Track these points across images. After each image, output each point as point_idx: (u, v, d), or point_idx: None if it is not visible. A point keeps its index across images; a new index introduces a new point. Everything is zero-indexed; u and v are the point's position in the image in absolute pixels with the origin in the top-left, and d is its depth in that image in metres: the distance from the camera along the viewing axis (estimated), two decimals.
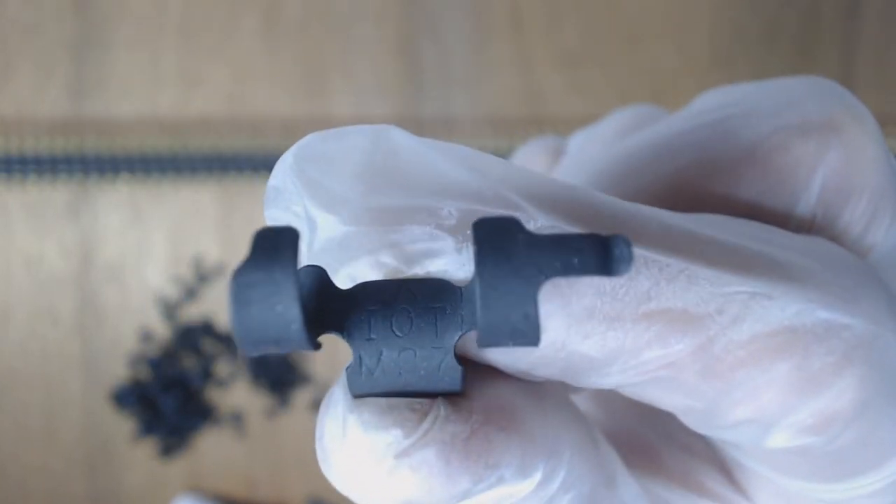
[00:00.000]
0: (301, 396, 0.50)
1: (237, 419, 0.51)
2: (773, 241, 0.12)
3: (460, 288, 0.11)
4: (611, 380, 0.12)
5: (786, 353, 0.11)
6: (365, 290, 0.11)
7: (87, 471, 0.51)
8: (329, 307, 0.11)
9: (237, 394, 0.51)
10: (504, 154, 0.49)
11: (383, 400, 0.11)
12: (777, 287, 0.11)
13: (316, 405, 0.50)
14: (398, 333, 0.11)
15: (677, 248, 0.11)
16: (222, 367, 0.51)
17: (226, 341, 0.50)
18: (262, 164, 0.49)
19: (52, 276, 0.50)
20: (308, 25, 0.49)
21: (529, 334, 0.09)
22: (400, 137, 0.11)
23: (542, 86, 0.49)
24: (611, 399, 0.17)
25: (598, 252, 0.09)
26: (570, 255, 0.09)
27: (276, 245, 0.09)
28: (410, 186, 0.11)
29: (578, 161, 0.17)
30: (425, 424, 0.11)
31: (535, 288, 0.09)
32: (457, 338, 0.11)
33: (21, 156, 0.49)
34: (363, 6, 0.49)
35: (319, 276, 0.11)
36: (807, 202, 0.13)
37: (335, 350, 0.49)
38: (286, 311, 0.09)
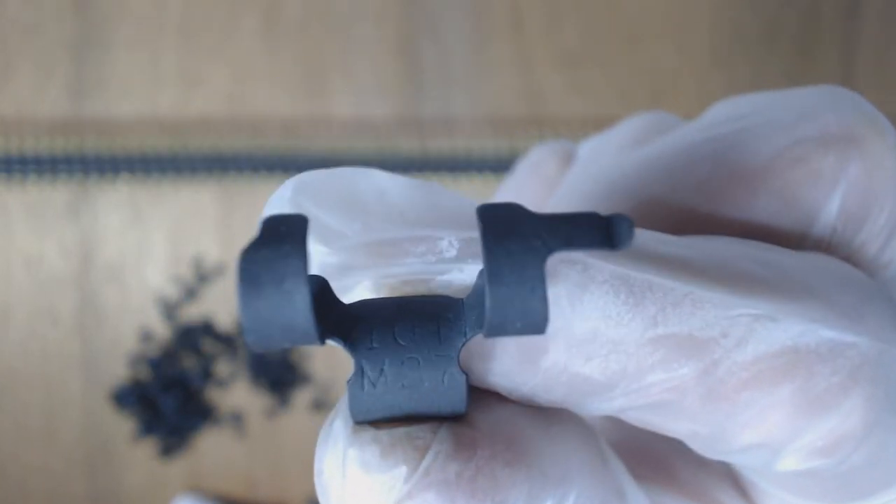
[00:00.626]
0: (301, 396, 0.50)
1: (237, 419, 0.51)
2: (776, 260, 0.12)
3: (462, 299, 0.11)
4: (614, 404, 0.12)
5: (790, 374, 0.11)
6: (367, 306, 0.11)
7: (86, 471, 0.51)
8: (331, 316, 0.11)
9: (237, 394, 0.51)
10: (505, 154, 0.49)
11: (385, 435, 0.11)
12: (780, 308, 0.11)
13: (316, 405, 0.50)
14: (401, 342, 0.11)
15: (681, 271, 0.11)
16: (222, 367, 0.51)
17: (226, 341, 0.50)
18: (262, 164, 0.49)
19: (52, 276, 0.50)
20: (308, 25, 0.49)
21: (537, 312, 0.10)
22: (382, 178, 0.11)
23: (542, 86, 0.49)
24: None
25: (599, 227, 0.10)
26: (573, 230, 0.09)
27: (285, 228, 0.09)
28: (406, 222, 0.11)
29: (588, 169, 0.17)
30: (426, 462, 0.10)
31: (540, 260, 0.09)
32: (461, 344, 0.11)
33: (21, 156, 0.49)
34: (363, 6, 0.49)
35: (322, 286, 0.11)
36: (827, 217, 0.13)
37: (335, 350, 0.49)
38: (295, 290, 0.09)
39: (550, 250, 0.09)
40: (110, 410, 0.50)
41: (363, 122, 0.49)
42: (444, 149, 0.49)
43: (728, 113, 0.14)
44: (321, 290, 0.11)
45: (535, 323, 0.10)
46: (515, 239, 0.09)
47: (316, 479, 0.11)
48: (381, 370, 0.11)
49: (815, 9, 0.48)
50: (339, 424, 0.11)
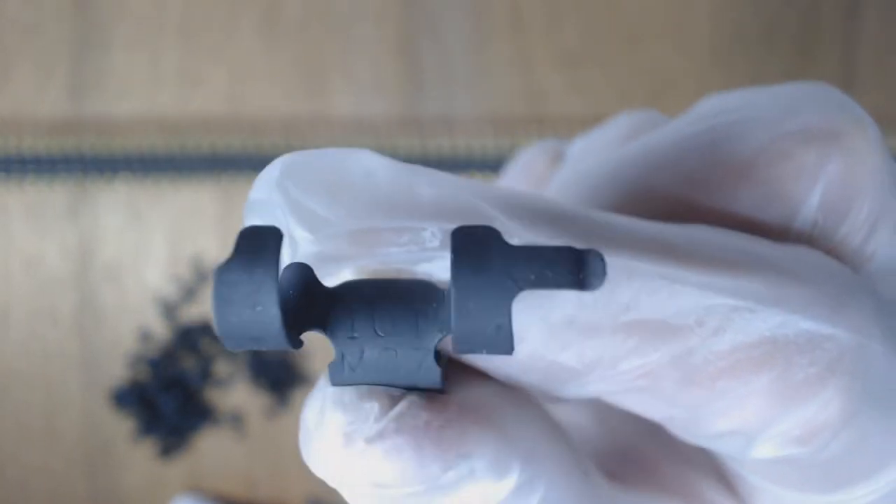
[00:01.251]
0: (301, 396, 0.50)
1: (237, 419, 0.50)
2: (756, 251, 0.12)
3: (443, 290, 0.11)
4: (590, 388, 0.12)
5: (767, 364, 0.11)
6: (349, 288, 0.11)
7: (86, 471, 0.51)
8: (313, 304, 0.11)
9: (237, 394, 0.51)
10: (505, 153, 0.49)
11: (364, 387, 0.11)
12: (759, 298, 0.11)
13: None
14: (380, 333, 0.11)
15: (658, 259, 0.11)
16: (222, 367, 0.51)
17: None
18: (261, 164, 0.48)
19: (51, 276, 0.50)
20: (308, 25, 0.49)
21: (503, 344, 0.10)
22: (372, 160, 0.11)
23: (542, 86, 0.49)
24: (608, 413, 0.17)
25: (572, 265, 0.10)
26: (545, 268, 0.10)
27: (259, 245, 0.10)
28: (391, 207, 0.11)
29: (577, 168, 0.17)
30: (399, 408, 0.11)
31: (508, 299, 0.10)
32: (437, 340, 0.11)
33: (20, 156, 0.49)
34: (363, 6, 0.49)
35: (304, 274, 0.11)
36: (808, 211, 0.13)
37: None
38: (266, 311, 0.10)
39: (520, 289, 0.10)
40: (110, 410, 0.50)
41: (363, 122, 0.49)
42: (444, 148, 0.49)
43: (717, 106, 0.14)
44: (302, 279, 0.11)
45: (502, 351, 0.10)
46: (485, 275, 0.09)
47: (300, 432, 0.12)
48: (361, 357, 0.11)
49: (815, 9, 0.48)
50: (322, 381, 0.12)
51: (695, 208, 0.13)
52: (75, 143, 0.49)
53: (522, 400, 0.12)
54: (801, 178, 0.13)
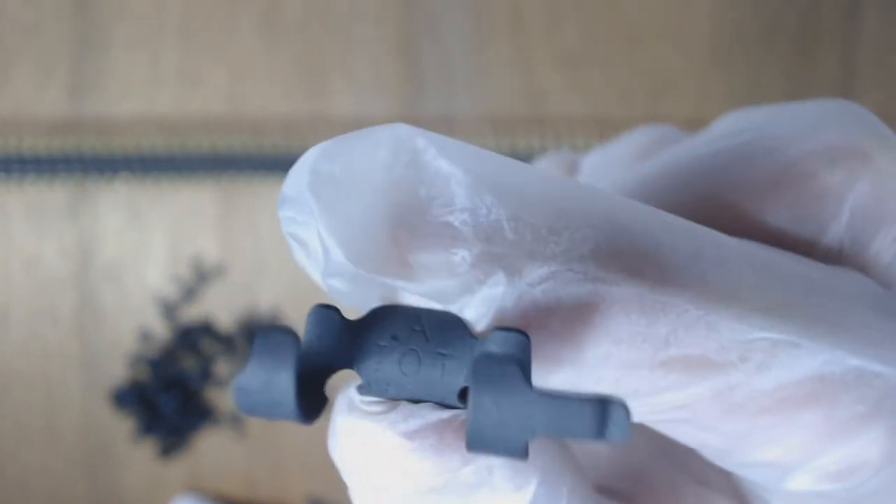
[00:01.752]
0: None
1: (237, 419, 0.50)
2: (802, 275, 0.12)
3: (471, 338, 0.11)
4: None
5: (812, 402, 0.11)
6: (376, 319, 0.11)
7: (86, 471, 0.51)
8: (339, 346, 0.11)
9: None
10: (505, 154, 0.49)
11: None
12: (805, 333, 0.11)
13: None
14: (405, 373, 0.11)
15: (696, 290, 0.11)
16: (222, 368, 0.51)
17: (225, 341, 0.50)
18: (261, 164, 0.49)
19: (51, 276, 0.50)
20: (308, 25, 0.49)
21: (518, 456, 0.10)
22: (423, 144, 0.10)
23: (542, 86, 0.49)
24: None
25: (593, 419, 0.09)
26: (566, 419, 0.09)
27: (275, 352, 0.10)
28: (428, 220, 0.10)
29: (594, 183, 0.17)
30: (424, 410, 0.11)
31: (524, 439, 0.10)
32: (459, 388, 0.11)
33: (20, 156, 0.49)
34: (363, 6, 0.49)
35: (330, 319, 0.11)
36: (835, 231, 0.13)
37: None
38: (284, 403, 0.10)
39: (535, 433, 0.10)
40: (110, 410, 0.50)
41: (363, 122, 0.49)
42: None
43: (733, 126, 0.14)
44: (328, 325, 0.11)
45: (515, 458, 0.10)
46: (503, 413, 0.09)
47: (331, 423, 0.12)
48: (386, 389, 0.11)
49: (815, 9, 0.48)
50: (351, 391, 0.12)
51: (721, 223, 0.13)
52: (75, 143, 0.49)
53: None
54: (828, 199, 0.13)
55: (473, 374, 0.10)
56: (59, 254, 0.50)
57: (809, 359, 0.11)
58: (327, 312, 0.11)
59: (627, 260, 0.10)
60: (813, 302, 0.11)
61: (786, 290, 0.11)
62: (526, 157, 0.48)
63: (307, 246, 0.12)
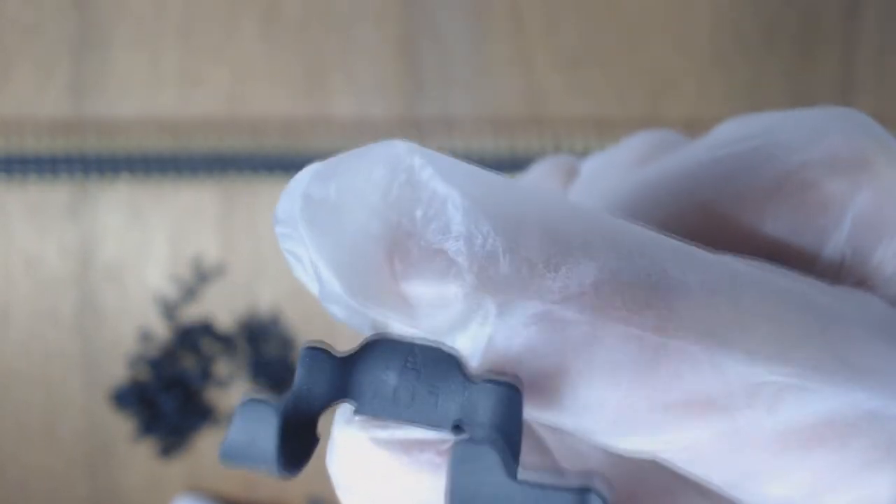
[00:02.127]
0: None
1: None
2: (813, 303, 0.11)
3: (463, 376, 0.11)
4: (621, 447, 0.11)
5: (823, 444, 0.10)
6: (369, 352, 0.11)
7: (86, 471, 0.51)
8: (331, 383, 0.11)
9: (237, 394, 0.51)
10: (505, 154, 0.49)
11: None
12: (818, 376, 0.10)
13: None
14: (399, 405, 0.11)
15: (700, 328, 0.10)
16: (222, 368, 0.51)
17: (225, 341, 0.50)
18: (261, 164, 0.49)
19: (51, 276, 0.50)
20: (308, 25, 0.49)
21: None
22: (420, 163, 0.10)
23: (542, 86, 0.49)
24: None
25: None
26: None
27: (257, 421, 0.10)
28: (422, 245, 0.10)
29: (592, 188, 0.17)
30: (421, 430, 0.11)
31: None
32: (452, 422, 0.11)
33: (21, 156, 0.49)
34: (363, 6, 0.49)
35: (319, 358, 0.11)
36: (836, 242, 0.12)
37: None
38: (269, 469, 0.10)
39: None
40: (110, 410, 0.50)
41: (363, 122, 0.49)
42: (444, 149, 0.48)
43: (735, 133, 0.14)
44: (319, 363, 0.11)
45: None
46: (481, 500, 0.09)
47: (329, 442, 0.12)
48: (380, 417, 0.11)
49: (815, 9, 0.48)
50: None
51: (722, 230, 0.13)
52: (76, 143, 0.49)
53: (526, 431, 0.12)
54: (829, 209, 0.12)
55: (452, 456, 0.09)
56: (59, 254, 0.50)
57: (821, 402, 0.10)
58: (316, 353, 0.11)
59: (631, 296, 0.10)
60: (826, 337, 0.11)
61: (798, 323, 0.11)
62: (525, 158, 0.48)
63: (304, 263, 0.11)
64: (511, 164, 0.49)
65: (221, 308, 0.50)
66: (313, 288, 0.11)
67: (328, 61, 0.49)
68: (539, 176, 0.19)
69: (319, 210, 0.10)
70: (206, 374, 0.50)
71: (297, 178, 0.11)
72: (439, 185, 0.10)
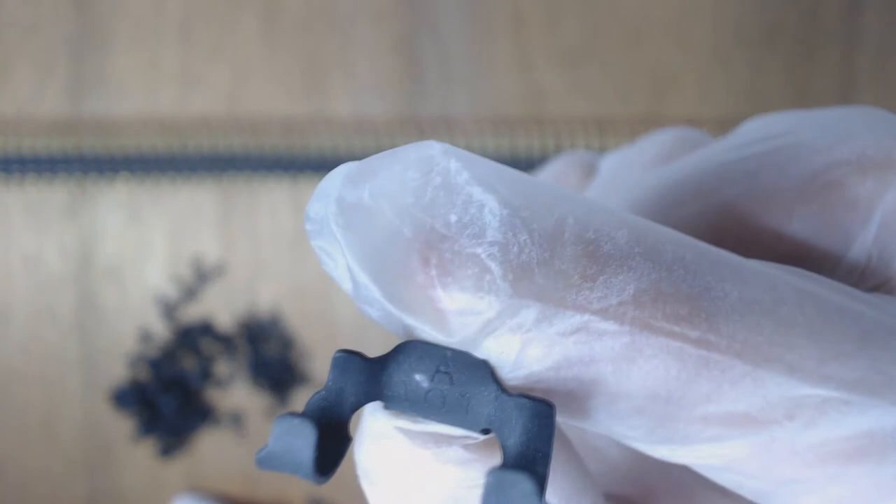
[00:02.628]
0: (301, 396, 0.50)
1: (237, 419, 0.50)
2: (853, 313, 0.11)
3: (496, 386, 0.10)
4: (655, 453, 0.11)
5: (861, 457, 0.10)
6: (402, 357, 0.11)
7: (86, 470, 0.50)
8: (364, 386, 0.11)
9: (237, 394, 0.51)
10: (505, 153, 0.49)
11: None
12: (859, 389, 0.10)
13: None
14: (430, 408, 0.11)
15: (751, 340, 0.10)
16: (222, 368, 0.51)
17: (225, 341, 0.50)
18: (261, 164, 0.49)
19: (51, 275, 0.50)
20: (308, 25, 0.49)
21: None
22: (456, 167, 0.10)
23: (542, 85, 0.49)
24: None
25: None
26: None
27: (295, 437, 0.10)
28: (457, 250, 0.10)
29: (611, 186, 0.16)
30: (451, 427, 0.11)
31: None
32: (482, 427, 0.11)
33: (20, 156, 0.49)
34: (363, 6, 0.49)
35: (352, 362, 0.11)
36: (863, 242, 0.12)
37: (334, 349, 0.49)
38: (306, 475, 0.10)
39: None
40: (110, 410, 0.50)
41: (363, 122, 0.49)
42: None
43: (760, 132, 0.13)
44: (353, 369, 0.11)
45: None
46: None
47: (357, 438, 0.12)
48: (414, 418, 0.11)
49: (815, 8, 0.48)
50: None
51: (748, 230, 0.13)
52: (75, 143, 0.49)
53: (573, 455, 0.12)
54: (857, 210, 0.12)
55: (487, 482, 0.09)
56: (59, 253, 0.50)
57: (861, 415, 0.10)
58: (348, 356, 0.11)
59: (671, 308, 0.10)
60: (866, 349, 0.11)
61: (838, 336, 0.11)
62: (525, 157, 0.48)
63: (335, 259, 0.11)
64: (511, 164, 0.48)
65: (221, 308, 0.50)
66: (346, 287, 0.11)
67: (328, 61, 0.49)
68: (556, 173, 0.19)
69: (353, 214, 0.10)
70: (205, 374, 0.50)
71: (330, 178, 0.10)
72: (476, 189, 0.10)
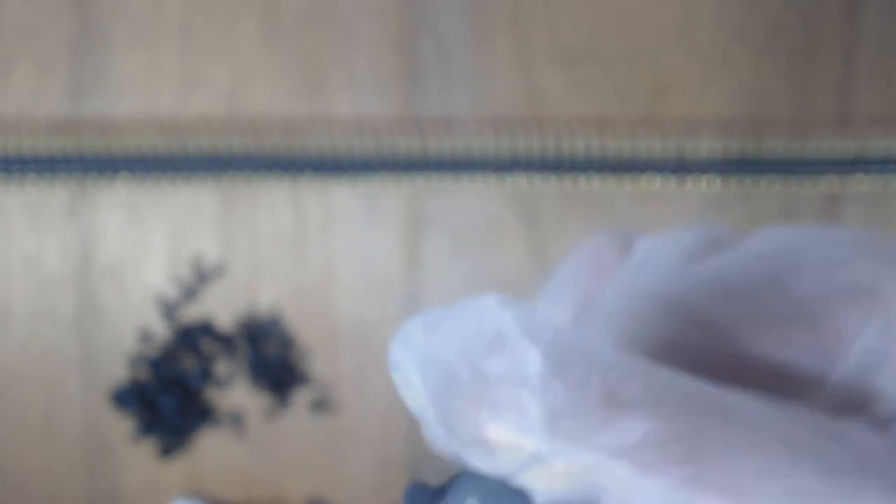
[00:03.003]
0: (301, 397, 0.50)
1: (236, 420, 0.50)
2: (822, 456, 0.12)
3: None
4: None
5: None
6: (458, 483, 0.13)
7: (85, 470, 0.50)
8: None
9: (236, 394, 0.51)
10: (505, 154, 0.49)
11: None
12: None
13: (316, 406, 0.50)
14: None
15: (731, 484, 0.12)
16: (222, 368, 0.51)
17: (225, 341, 0.50)
18: (261, 164, 0.49)
19: (51, 275, 0.50)
20: (308, 24, 0.49)
21: None
22: (506, 320, 0.12)
23: (542, 85, 0.49)
24: None
25: None
26: None
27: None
28: (502, 398, 0.12)
29: (641, 275, 0.18)
30: None
31: None
32: None
33: (20, 156, 0.49)
34: (363, 5, 0.49)
35: (420, 489, 0.14)
36: (844, 365, 0.14)
37: (335, 349, 0.49)
38: None
39: None
40: (110, 410, 0.50)
41: (363, 122, 0.49)
42: (444, 148, 0.49)
43: (774, 246, 0.15)
44: (420, 496, 0.14)
45: None
46: None
47: None
48: None
49: (816, 9, 0.48)
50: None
51: (739, 353, 0.14)
52: (75, 143, 0.49)
53: None
54: (841, 337, 0.14)
55: None
56: (59, 254, 0.50)
57: None
58: (417, 487, 0.14)
59: (670, 453, 0.12)
60: (832, 491, 0.12)
61: (809, 479, 0.12)
62: (525, 157, 0.48)
63: (413, 390, 0.13)
64: (511, 164, 0.49)
65: (221, 308, 0.50)
66: (417, 410, 0.13)
67: (328, 60, 0.49)
68: (594, 249, 0.20)
69: (426, 360, 0.12)
70: (205, 374, 0.50)
71: (408, 328, 0.13)
72: (523, 342, 0.12)
